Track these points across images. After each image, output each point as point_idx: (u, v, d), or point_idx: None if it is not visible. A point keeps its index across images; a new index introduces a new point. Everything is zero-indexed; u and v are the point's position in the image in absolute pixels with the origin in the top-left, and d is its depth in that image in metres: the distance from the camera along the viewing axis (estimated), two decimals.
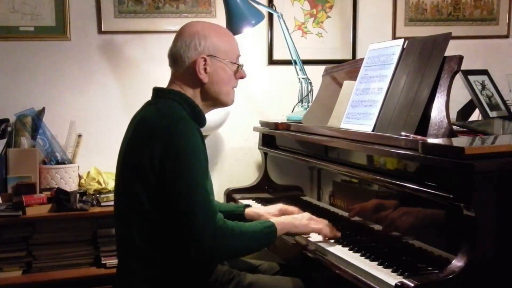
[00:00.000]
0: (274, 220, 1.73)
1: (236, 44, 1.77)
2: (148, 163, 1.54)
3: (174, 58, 1.72)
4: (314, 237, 1.81)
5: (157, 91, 1.73)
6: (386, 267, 1.49)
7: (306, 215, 1.81)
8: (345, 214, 1.87)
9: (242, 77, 1.78)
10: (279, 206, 1.97)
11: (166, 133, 1.55)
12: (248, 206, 2.03)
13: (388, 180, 1.59)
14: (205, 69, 1.68)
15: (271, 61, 2.98)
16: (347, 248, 1.68)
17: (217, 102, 1.76)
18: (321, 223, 1.77)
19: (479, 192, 1.30)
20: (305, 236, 1.82)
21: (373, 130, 1.82)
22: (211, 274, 1.70)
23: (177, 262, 1.61)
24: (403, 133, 1.64)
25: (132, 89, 2.81)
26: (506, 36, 3.28)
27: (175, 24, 2.82)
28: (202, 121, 1.73)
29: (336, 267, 1.59)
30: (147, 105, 1.73)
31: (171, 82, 1.74)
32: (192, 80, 1.69)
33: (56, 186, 2.53)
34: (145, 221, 1.59)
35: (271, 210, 1.95)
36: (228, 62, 1.71)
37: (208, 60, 1.68)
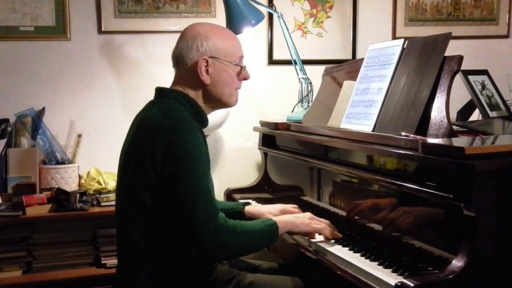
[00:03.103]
0: (275, 218, 1.73)
1: (239, 45, 1.76)
2: (149, 162, 1.54)
3: (177, 59, 1.71)
4: (315, 237, 1.81)
5: (160, 91, 1.73)
6: (386, 267, 1.49)
7: (308, 214, 1.81)
8: (345, 214, 1.87)
9: (245, 79, 1.78)
10: (280, 206, 1.96)
11: (168, 133, 1.54)
12: (248, 204, 2.02)
13: (388, 180, 1.59)
14: (207, 71, 1.68)
15: (271, 61, 2.98)
16: (347, 248, 1.68)
17: (220, 103, 1.76)
18: (322, 223, 1.77)
19: (479, 192, 1.30)
20: (305, 236, 1.81)
21: (373, 130, 1.82)
22: (211, 273, 1.71)
23: (178, 261, 1.61)
24: (403, 133, 1.64)
25: (132, 89, 2.81)
26: (506, 36, 3.29)
27: (175, 24, 2.82)
28: (204, 122, 1.73)
29: (336, 267, 1.59)
30: (150, 104, 1.72)
31: (174, 83, 1.73)
32: (194, 81, 1.69)
33: (56, 186, 2.53)
34: (146, 219, 1.58)
35: (272, 210, 1.94)
36: (230, 64, 1.71)
37: (210, 61, 1.67)
